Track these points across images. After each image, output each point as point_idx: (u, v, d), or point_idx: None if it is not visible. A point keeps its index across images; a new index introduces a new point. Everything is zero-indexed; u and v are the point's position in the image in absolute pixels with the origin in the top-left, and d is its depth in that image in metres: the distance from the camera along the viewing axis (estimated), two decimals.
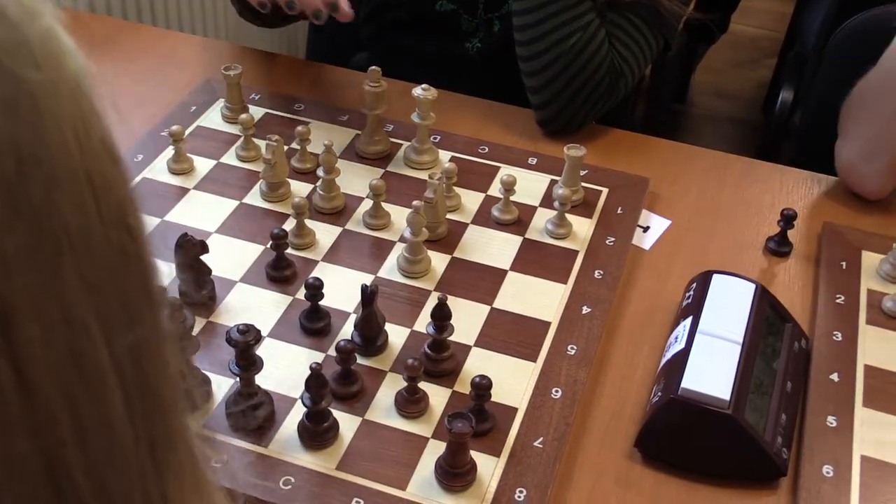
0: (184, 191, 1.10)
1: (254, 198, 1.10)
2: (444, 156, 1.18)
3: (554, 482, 0.82)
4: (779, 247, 1.08)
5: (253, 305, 0.97)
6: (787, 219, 1.06)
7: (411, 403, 0.86)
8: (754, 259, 1.08)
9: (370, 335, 0.92)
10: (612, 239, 1.07)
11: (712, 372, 0.84)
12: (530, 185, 1.13)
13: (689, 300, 0.94)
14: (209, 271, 0.96)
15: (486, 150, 1.19)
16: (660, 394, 0.85)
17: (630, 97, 1.60)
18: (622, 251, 1.05)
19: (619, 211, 1.11)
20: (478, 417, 0.82)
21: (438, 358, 0.90)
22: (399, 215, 1.07)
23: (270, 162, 1.07)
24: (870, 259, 1.05)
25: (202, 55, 1.38)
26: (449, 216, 1.08)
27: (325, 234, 1.06)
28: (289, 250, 1.00)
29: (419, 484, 0.81)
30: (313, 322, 0.94)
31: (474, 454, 0.82)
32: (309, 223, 1.05)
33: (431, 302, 0.97)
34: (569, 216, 1.07)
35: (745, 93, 2.94)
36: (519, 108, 1.28)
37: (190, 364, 0.85)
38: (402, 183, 1.13)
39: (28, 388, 0.34)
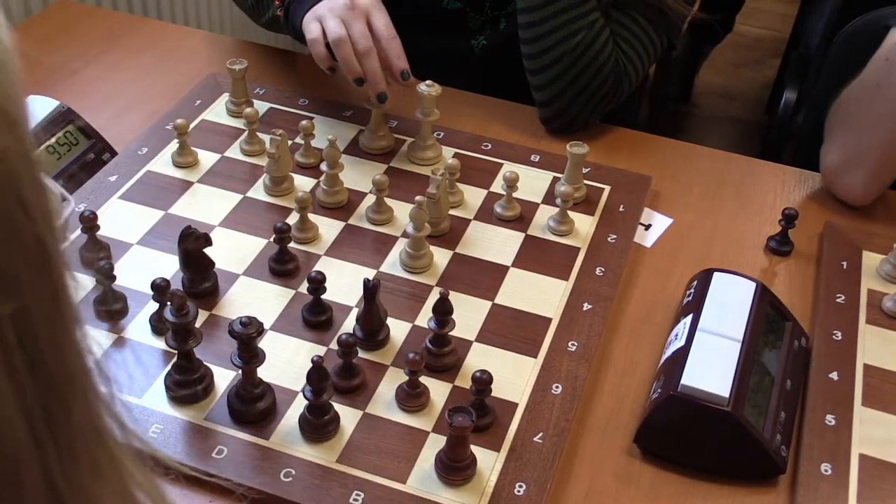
0: (188, 184, 1.11)
1: (257, 192, 1.10)
2: (448, 152, 1.18)
3: (553, 477, 0.82)
4: (780, 246, 1.08)
5: (255, 299, 0.97)
6: (789, 218, 1.07)
7: (412, 397, 0.87)
8: (755, 258, 1.08)
9: (372, 329, 0.92)
10: (614, 236, 1.07)
11: (712, 369, 0.85)
12: (533, 182, 1.14)
13: (690, 298, 0.95)
14: (212, 264, 0.97)
15: (490, 146, 1.19)
16: (659, 390, 0.86)
17: (634, 98, 1.60)
18: (624, 249, 1.06)
19: (620, 209, 1.11)
20: (478, 412, 0.82)
21: (440, 353, 0.91)
22: (402, 211, 1.07)
23: (274, 156, 1.07)
24: (870, 259, 1.05)
25: (207, 50, 1.38)
26: (451, 212, 1.09)
27: (328, 228, 1.06)
28: (292, 244, 1.01)
29: (419, 477, 0.81)
30: (315, 315, 0.94)
31: (474, 448, 0.82)
32: (312, 217, 1.05)
33: (433, 297, 0.97)
34: (571, 213, 1.08)
35: (749, 93, 2.95)
36: (522, 105, 1.28)
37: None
38: (406, 178, 1.13)
39: None
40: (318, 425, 0.84)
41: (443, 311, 0.89)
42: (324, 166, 1.07)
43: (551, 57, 1.18)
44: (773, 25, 3.19)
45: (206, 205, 1.08)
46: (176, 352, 0.86)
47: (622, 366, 0.95)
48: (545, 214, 1.09)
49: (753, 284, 0.94)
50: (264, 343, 0.91)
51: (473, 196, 1.12)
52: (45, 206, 0.38)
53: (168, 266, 0.99)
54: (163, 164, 1.13)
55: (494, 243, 1.06)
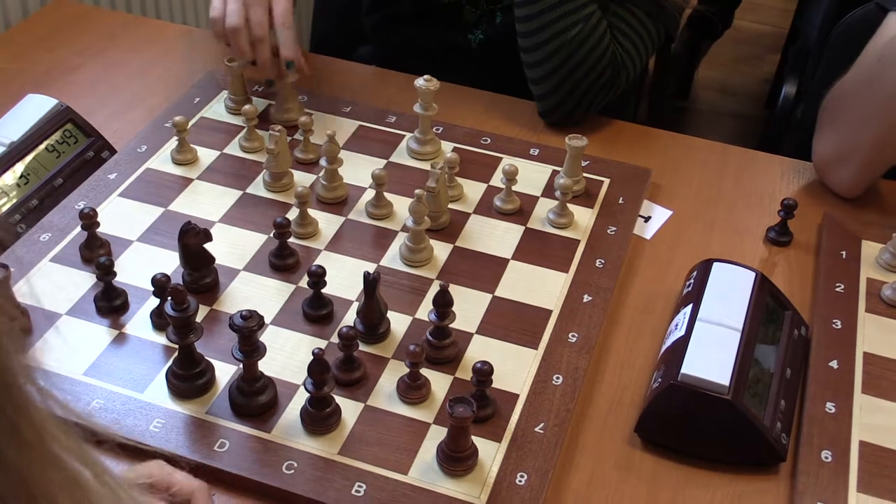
0: (187, 181, 1.11)
1: (257, 188, 1.11)
2: (447, 146, 1.18)
3: (555, 467, 0.83)
4: (779, 236, 1.09)
5: (256, 293, 0.97)
6: (788, 208, 1.07)
7: (413, 389, 0.87)
8: (755, 249, 1.08)
9: (372, 322, 0.92)
10: (614, 228, 1.07)
11: (712, 358, 0.85)
12: (532, 176, 1.14)
13: (690, 288, 0.95)
14: (213, 259, 0.97)
15: (489, 140, 1.20)
16: (660, 380, 0.86)
17: (633, 93, 1.60)
18: (623, 240, 1.06)
19: (620, 201, 1.11)
20: (479, 403, 0.82)
21: (440, 345, 0.91)
22: (401, 205, 1.08)
23: (273, 152, 1.07)
24: (869, 248, 1.06)
25: (205, 48, 1.38)
26: (451, 206, 1.09)
27: (328, 223, 1.06)
28: (292, 239, 1.01)
29: (421, 468, 0.82)
30: (316, 309, 0.94)
31: (476, 439, 0.82)
32: (312, 212, 1.05)
33: (433, 290, 0.97)
34: (570, 206, 1.08)
35: (749, 88, 2.95)
36: (521, 99, 1.28)
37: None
38: (405, 173, 1.14)
39: None
40: (319, 418, 0.84)
41: (443, 304, 0.89)
42: (323, 161, 1.08)
43: (548, 50, 1.18)
44: (772, 21, 3.19)
45: (205, 201, 1.08)
46: (177, 346, 0.86)
47: (622, 356, 0.95)
48: (545, 207, 1.09)
49: (753, 274, 0.94)
50: (265, 337, 0.91)
51: (473, 190, 1.12)
52: None
53: (168, 262, 0.99)
54: (162, 161, 1.13)
55: (494, 236, 1.06)
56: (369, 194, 1.09)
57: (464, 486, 0.80)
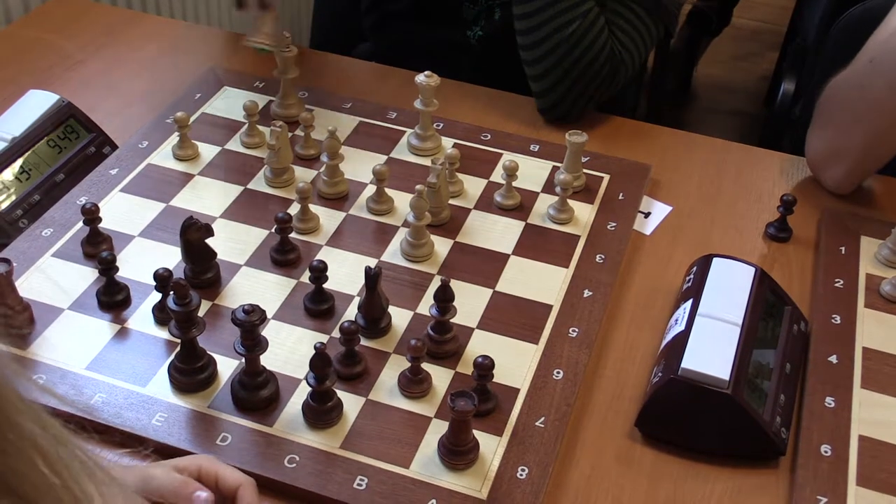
0: (189, 177, 1.11)
1: (258, 183, 1.11)
2: (447, 142, 1.19)
3: (555, 460, 0.83)
4: (778, 232, 1.09)
5: (257, 288, 0.98)
6: (787, 204, 1.07)
7: (414, 384, 0.87)
8: (754, 244, 1.09)
9: (374, 317, 0.93)
10: (614, 224, 1.08)
11: (712, 353, 0.85)
12: (532, 172, 1.14)
13: (690, 283, 0.95)
14: (214, 255, 0.97)
15: (489, 137, 1.20)
16: (660, 374, 0.86)
17: (632, 91, 1.61)
18: (623, 236, 1.06)
19: (620, 197, 1.12)
20: (480, 397, 0.83)
21: (441, 339, 0.91)
22: (402, 200, 1.08)
23: (275, 148, 1.08)
24: (868, 244, 1.06)
25: (206, 44, 1.39)
26: (452, 201, 1.09)
27: (329, 218, 1.07)
28: (293, 234, 1.02)
29: (422, 462, 0.82)
30: (317, 304, 0.95)
31: (477, 433, 0.83)
32: (313, 208, 1.06)
33: (434, 285, 0.98)
34: (570, 202, 1.08)
35: (748, 86, 2.95)
36: (521, 95, 1.29)
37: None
38: (406, 169, 1.14)
39: None
40: (321, 412, 0.84)
41: (444, 299, 0.90)
42: (324, 157, 1.08)
43: (546, 47, 1.18)
44: (770, 18, 3.19)
45: (207, 197, 1.09)
46: (179, 341, 0.86)
47: (623, 351, 0.95)
48: (545, 203, 1.10)
49: (753, 269, 0.95)
50: (267, 332, 0.91)
51: (473, 185, 1.12)
52: None
53: (170, 257, 1.00)
54: (163, 157, 1.14)
55: (495, 232, 1.06)
56: (370, 190, 1.10)
57: (465, 479, 0.81)
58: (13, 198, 1.04)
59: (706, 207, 1.14)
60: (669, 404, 0.85)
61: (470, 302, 0.97)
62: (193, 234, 0.94)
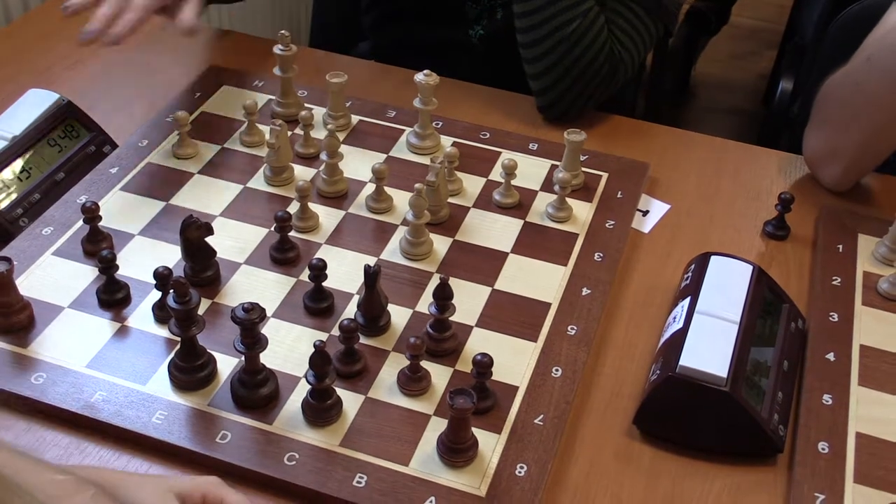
0: (188, 175, 1.12)
1: (258, 182, 1.11)
2: (446, 141, 1.19)
3: (554, 458, 0.83)
4: (776, 230, 1.09)
5: (257, 287, 0.98)
6: (785, 203, 1.08)
7: (413, 381, 0.88)
8: (752, 242, 1.09)
9: (373, 315, 0.93)
10: (612, 222, 1.08)
11: (710, 350, 0.85)
12: (531, 170, 1.14)
13: (688, 281, 0.96)
14: (214, 253, 0.98)
15: (488, 135, 1.20)
16: (658, 372, 0.87)
17: (631, 89, 1.61)
18: (622, 234, 1.07)
19: (618, 195, 1.12)
20: (479, 395, 0.83)
21: (440, 337, 0.91)
22: (401, 199, 1.08)
23: (274, 146, 1.08)
24: (866, 242, 1.06)
25: (206, 43, 1.39)
26: (451, 200, 1.09)
27: (329, 217, 1.07)
28: (292, 233, 1.02)
29: (422, 460, 0.82)
30: (317, 302, 0.95)
31: (476, 431, 0.83)
32: (312, 206, 1.06)
33: (433, 284, 0.98)
34: (569, 200, 1.09)
35: (747, 84, 2.95)
36: (520, 94, 1.29)
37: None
38: (405, 167, 1.14)
39: None
40: (320, 410, 0.84)
41: (443, 297, 0.90)
42: (323, 156, 1.08)
43: (546, 46, 1.19)
44: (769, 17, 3.19)
45: (206, 195, 1.09)
46: (179, 339, 0.86)
47: (621, 349, 0.96)
48: (544, 201, 1.10)
49: (750, 267, 0.95)
50: (266, 330, 0.92)
51: (472, 184, 1.13)
52: None
53: (170, 256, 1.00)
54: (163, 155, 1.14)
55: (494, 230, 1.07)
56: (369, 188, 1.10)
57: (464, 477, 0.81)
58: (13, 197, 1.04)
59: (704, 206, 1.14)
60: (667, 402, 0.85)
61: (469, 300, 0.97)
62: (193, 233, 0.95)
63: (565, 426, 0.86)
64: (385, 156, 1.16)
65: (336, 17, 1.64)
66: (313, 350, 0.82)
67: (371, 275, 0.90)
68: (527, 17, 1.19)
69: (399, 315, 0.95)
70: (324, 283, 0.94)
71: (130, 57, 1.34)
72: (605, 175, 1.15)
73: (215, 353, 0.89)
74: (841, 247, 1.06)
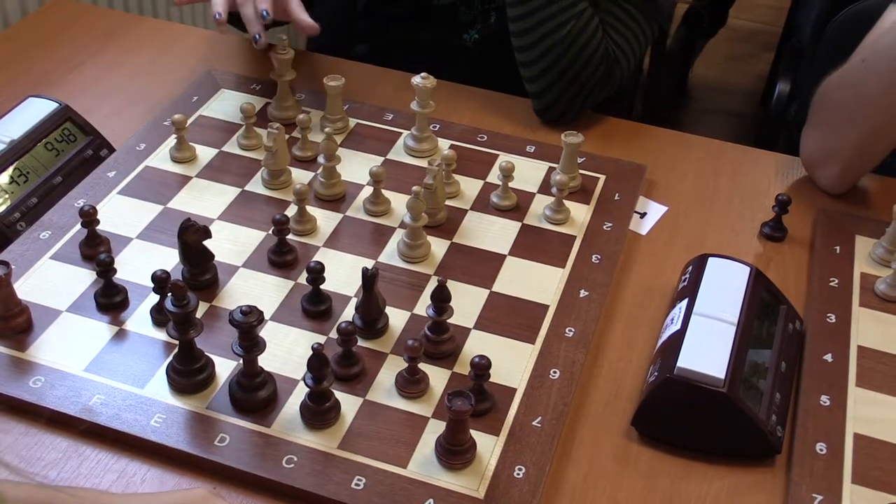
0: (186, 179, 1.12)
1: (255, 185, 1.11)
2: (444, 144, 1.19)
3: (552, 460, 0.83)
4: (774, 232, 1.09)
5: (255, 290, 0.98)
6: (782, 204, 1.08)
7: (411, 384, 0.88)
8: (750, 244, 1.09)
9: (371, 318, 0.93)
10: (610, 224, 1.08)
11: (708, 352, 0.86)
12: (528, 172, 1.15)
13: (686, 283, 0.96)
14: (212, 256, 0.98)
15: (485, 138, 1.20)
16: (656, 373, 0.87)
17: (628, 92, 1.61)
18: (619, 236, 1.07)
19: (616, 197, 1.12)
20: (477, 397, 0.83)
21: (438, 340, 0.91)
22: (399, 202, 1.09)
23: (272, 150, 1.08)
24: (863, 243, 1.07)
25: (203, 46, 1.39)
26: (448, 202, 1.10)
27: (326, 220, 1.07)
28: (290, 236, 1.02)
29: (420, 462, 0.82)
30: (315, 305, 0.95)
31: (474, 433, 0.83)
32: (310, 209, 1.06)
33: (431, 286, 0.98)
34: (566, 202, 1.09)
35: (744, 86, 2.96)
36: (517, 97, 1.29)
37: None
38: (402, 170, 1.14)
39: None
40: (319, 412, 0.85)
41: (441, 299, 0.90)
42: (321, 159, 1.09)
43: (541, 49, 1.19)
44: (765, 19, 3.20)
45: (204, 199, 1.09)
46: (177, 342, 0.86)
47: (619, 350, 0.96)
48: (541, 204, 1.10)
49: (748, 269, 0.95)
50: (264, 333, 0.92)
51: (470, 186, 1.13)
52: None
53: (168, 259, 1.00)
54: (161, 159, 1.14)
55: (491, 232, 1.07)
56: (367, 191, 1.10)
57: (462, 479, 0.81)
58: (11, 201, 1.04)
59: (702, 207, 1.14)
60: (665, 403, 0.85)
61: (467, 302, 0.97)
62: (191, 236, 0.95)
63: (563, 428, 0.86)
64: (383, 158, 1.17)
65: (333, 21, 1.64)
66: (311, 353, 0.82)
67: (369, 277, 0.90)
68: (521, 21, 1.19)
69: (397, 317, 0.96)
70: (322, 286, 0.95)
71: (128, 61, 1.35)
72: (602, 177, 1.15)
73: (213, 357, 0.90)
74: (838, 248, 1.06)
